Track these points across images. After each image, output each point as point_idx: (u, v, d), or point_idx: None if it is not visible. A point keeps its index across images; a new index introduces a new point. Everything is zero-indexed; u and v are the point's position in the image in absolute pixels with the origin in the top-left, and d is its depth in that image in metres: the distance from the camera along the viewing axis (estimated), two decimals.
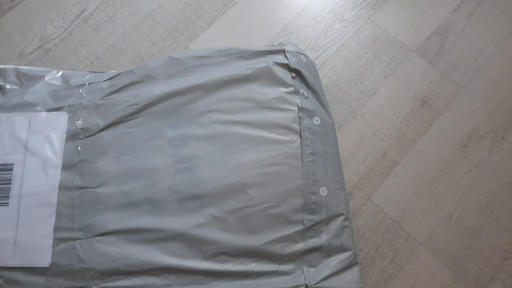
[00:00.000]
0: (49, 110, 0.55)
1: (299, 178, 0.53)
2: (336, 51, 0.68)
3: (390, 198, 0.59)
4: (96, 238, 0.49)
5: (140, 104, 0.55)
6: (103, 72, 0.60)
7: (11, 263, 0.48)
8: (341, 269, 0.51)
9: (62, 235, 0.50)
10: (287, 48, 0.60)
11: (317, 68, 0.64)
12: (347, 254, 0.51)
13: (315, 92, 0.58)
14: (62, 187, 0.51)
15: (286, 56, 0.59)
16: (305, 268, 0.50)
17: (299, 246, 0.51)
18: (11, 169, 0.52)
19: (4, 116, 0.55)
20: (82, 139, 0.54)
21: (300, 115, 0.56)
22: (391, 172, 0.60)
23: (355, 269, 0.52)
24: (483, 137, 0.62)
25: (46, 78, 0.58)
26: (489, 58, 0.67)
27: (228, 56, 0.59)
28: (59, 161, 0.53)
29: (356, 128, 0.63)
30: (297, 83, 0.58)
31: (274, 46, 0.61)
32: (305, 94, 0.58)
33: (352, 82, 0.66)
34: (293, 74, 0.58)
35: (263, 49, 0.60)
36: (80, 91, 0.57)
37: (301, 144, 0.54)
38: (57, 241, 0.49)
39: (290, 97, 0.57)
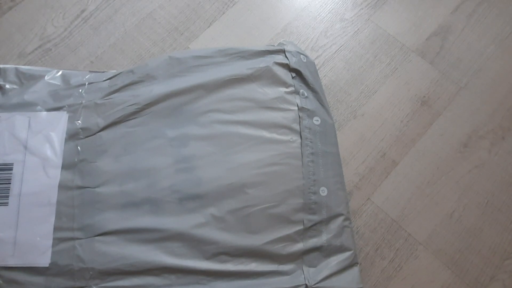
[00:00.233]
0: (49, 110, 0.55)
1: (299, 178, 0.53)
2: (336, 51, 0.68)
3: (390, 198, 0.59)
4: (96, 238, 0.49)
5: (140, 104, 0.55)
6: (103, 72, 0.60)
7: (11, 262, 0.48)
8: (341, 269, 0.51)
9: (62, 234, 0.50)
10: (287, 48, 0.60)
11: (317, 68, 0.64)
12: (347, 254, 0.51)
13: (315, 92, 0.58)
14: (62, 187, 0.51)
15: (286, 56, 0.59)
16: (305, 268, 0.50)
17: (299, 246, 0.51)
18: (11, 169, 0.52)
19: (4, 116, 0.55)
20: (82, 138, 0.54)
21: (300, 115, 0.56)
22: (391, 172, 0.60)
23: (355, 269, 0.52)
24: (483, 137, 0.62)
25: (46, 77, 0.58)
26: (489, 58, 0.67)
27: (228, 56, 0.59)
28: (59, 161, 0.53)
29: (356, 128, 0.63)
30: (297, 83, 0.58)
31: (274, 46, 0.61)
32: (305, 94, 0.58)
33: (352, 82, 0.66)
34: (293, 74, 0.58)
35: (263, 49, 0.60)
36: (80, 90, 0.57)
37: (301, 144, 0.54)
38: (57, 241, 0.49)
39: (290, 97, 0.57)
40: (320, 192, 0.53)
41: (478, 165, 0.61)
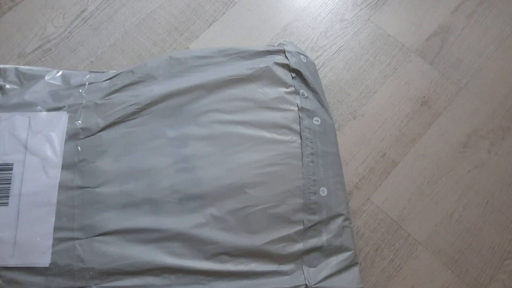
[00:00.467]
0: (49, 110, 0.55)
1: (299, 178, 0.53)
2: (336, 51, 0.68)
3: (390, 198, 0.59)
4: (96, 238, 0.49)
5: (140, 104, 0.55)
6: (103, 72, 0.60)
7: (11, 263, 0.48)
8: (341, 269, 0.51)
9: (62, 235, 0.50)
10: (287, 48, 0.60)
11: (317, 68, 0.64)
12: (347, 254, 0.51)
13: (315, 92, 0.58)
14: (62, 187, 0.51)
15: (286, 56, 0.59)
16: (305, 268, 0.50)
17: (299, 246, 0.51)
18: (11, 169, 0.52)
19: (4, 116, 0.55)
20: (82, 139, 0.54)
21: (300, 115, 0.56)
22: (391, 172, 0.60)
23: (355, 269, 0.52)
24: (483, 137, 0.62)
25: (46, 78, 0.58)
26: (489, 59, 0.67)
27: (228, 56, 0.59)
28: (59, 161, 0.53)
29: (356, 128, 0.63)
30: (297, 83, 0.58)
31: (274, 46, 0.61)
32: (305, 94, 0.58)
33: (352, 82, 0.66)
34: (293, 74, 0.58)
35: (263, 49, 0.60)
36: (80, 91, 0.57)
37: (301, 144, 0.54)
38: (57, 241, 0.49)
39: (290, 97, 0.57)
40: (320, 192, 0.53)
41: (478, 165, 0.61)
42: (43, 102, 0.56)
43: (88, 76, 0.59)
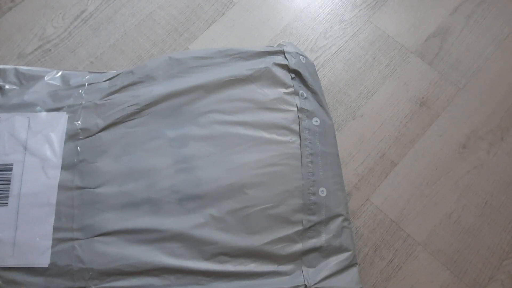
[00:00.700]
0: (48, 110, 0.55)
1: (298, 179, 0.53)
2: (335, 52, 0.68)
3: (389, 198, 0.59)
4: (96, 238, 0.49)
5: (140, 105, 0.55)
6: (102, 73, 0.60)
7: (10, 263, 0.48)
8: (340, 270, 0.51)
9: (62, 235, 0.50)
10: (287, 49, 0.60)
11: (316, 69, 0.64)
12: (346, 255, 0.51)
13: (314, 93, 0.59)
14: (62, 187, 0.51)
15: (285, 57, 0.59)
16: (304, 268, 0.50)
17: (298, 247, 0.51)
18: (11, 169, 0.52)
19: (3, 116, 0.55)
20: (81, 139, 0.54)
21: (300, 116, 0.56)
22: (390, 172, 0.61)
23: (354, 270, 0.52)
24: (482, 138, 0.63)
25: (46, 78, 0.58)
26: (488, 59, 0.68)
27: (228, 57, 0.59)
28: (58, 161, 0.53)
29: (355, 129, 0.63)
30: (296, 84, 0.58)
31: (273, 47, 0.61)
32: (305, 95, 0.58)
33: (351, 83, 0.66)
34: (293, 75, 0.59)
35: (262, 50, 0.60)
36: (80, 91, 0.57)
37: (300, 144, 0.55)
38: (56, 241, 0.49)
39: (289, 98, 0.57)
40: (320, 192, 0.53)
41: (477, 166, 0.61)
42: (43, 102, 0.56)
43: (87, 76, 0.59)
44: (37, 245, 0.49)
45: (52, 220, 0.50)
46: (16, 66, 0.59)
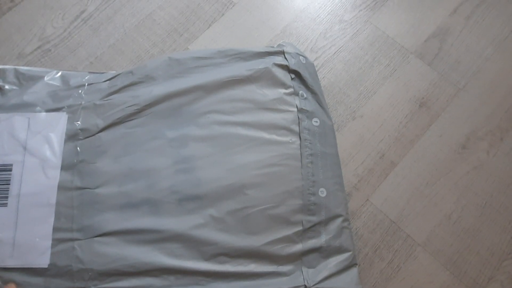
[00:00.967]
0: (48, 111, 0.55)
1: (298, 179, 0.53)
2: (335, 52, 0.68)
3: (389, 199, 0.59)
4: (95, 238, 0.49)
5: (139, 105, 0.55)
6: (102, 73, 0.60)
7: (10, 263, 0.48)
8: (340, 270, 0.51)
9: (61, 235, 0.50)
10: (287, 49, 0.60)
11: (316, 69, 0.64)
12: (346, 255, 0.52)
13: (314, 93, 0.59)
14: (61, 188, 0.51)
15: (285, 58, 0.59)
16: (304, 269, 0.50)
17: (298, 247, 0.51)
18: (10, 170, 0.52)
19: (3, 116, 0.55)
20: (81, 139, 0.54)
21: (300, 116, 0.56)
22: (390, 173, 0.61)
23: (354, 270, 0.52)
24: (481, 139, 0.63)
25: (46, 78, 0.58)
26: (488, 60, 0.68)
27: (228, 57, 0.59)
28: (58, 162, 0.53)
29: (355, 129, 0.63)
30: (296, 84, 0.58)
31: (273, 47, 0.61)
32: (305, 95, 0.58)
33: (351, 83, 0.66)
34: (293, 75, 0.59)
35: (262, 50, 0.60)
36: (80, 91, 0.57)
37: (300, 145, 0.55)
38: (56, 241, 0.49)
39: (289, 98, 0.57)
40: (319, 193, 0.53)
41: (476, 167, 0.61)
42: (43, 102, 0.56)
43: (87, 77, 0.59)
44: (37, 245, 0.49)
45: (51, 220, 0.50)
46: (16, 66, 0.59)
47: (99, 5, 0.70)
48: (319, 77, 0.63)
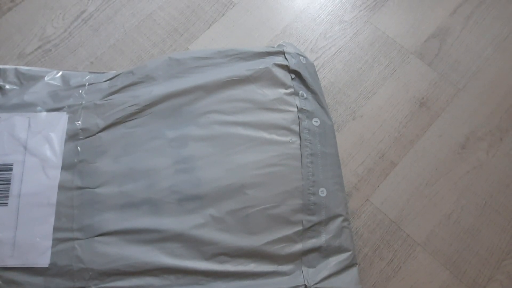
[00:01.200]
0: (49, 111, 0.55)
1: (298, 179, 0.53)
2: (335, 52, 0.68)
3: (388, 199, 0.59)
4: (96, 238, 0.49)
5: (140, 105, 0.55)
6: (103, 73, 0.60)
7: (10, 263, 0.48)
8: (340, 270, 0.51)
9: (62, 235, 0.50)
10: (287, 49, 0.60)
11: (316, 69, 0.64)
12: (346, 255, 0.52)
13: (314, 93, 0.59)
14: (62, 187, 0.51)
15: (285, 58, 0.59)
16: (304, 268, 0.50)
17: (298, 247, 0.51)
18: (11, 169, 0.52)
19: (3, 116, 0.55)
20: (81, 139, 0.54)
21: (300, 116, 0.56)
22: (390, 173, 0.61)
23: (354, 270, 0.52)
24: (481, 139, 0.63)
25: (46, 78, 0.58)
26: (487, 60, 0.68)
27: (228, 57, 0.59)
28: (58, 161, 0.53)
29: (355, 130, 0.63)
30: (296, 84, 0.58)
31: (273, 47, 0.61)
32: (305, 95, 0.58)
33: (351, 83, 0.66)
34: (293, 76, 0.59)
35: (262, 50, 0.60)
36: (80, 91, 0.57)
37: (300, 145, 0.55)
38: (56, 241, 0.49)
39: (289, 98, 0.57)
40: (319, 193, 0.53)
41: (476, 167, 0.61)
42: (43, 102, 0.56)
43: (88, 76, 0.59)
44: (37, 245, 0.49)
45: (52, 220, 0.50)
46: (16, 66, 0.59)
47: (99, 5, 0.70)
48: (319, 77, 0.63)
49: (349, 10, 0.71)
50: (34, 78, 0.58)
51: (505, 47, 0.69)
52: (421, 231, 0.58)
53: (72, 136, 0.54)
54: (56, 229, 0.50)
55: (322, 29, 0.70)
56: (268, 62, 0.59)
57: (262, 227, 0.51)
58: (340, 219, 0.53)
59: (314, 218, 0.52)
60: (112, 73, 0.60)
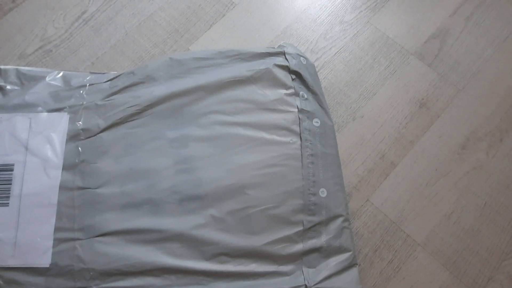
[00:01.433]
0: (50, 111, 0.56)
1: (298, 179, 0.53)
2: (335, 53, 0.68)
3: (389, 199, 0.59)
4: (96, 238, 0.50)
5: (140, 105, 0.56)
6: (103, 73, 0.60)
7: (11, 263, 0.48)
8: (340, 270, 0.51)
9: (63, 235, 0.50)
10: (287, 50, 0.60)
11: (317, 70, 0.64)
12: (346, 255, 0.52)
13: (315, 94, 0.59)
14: (63, 188, 0.52)
15: (286, 58, 0.60)
16: (304, 268, 0.50)
17: (298, 247, 0.51)
18: (12, 170, 0.52)
19: (4, 117, 0.55)
20: (82, 139, 0.54)
21: (300, 117, 0.56)
22: (390, 173, 0.61)
23: (354, 270, 0.52)
24: (481, 139, 0.63)
25: (47, 79, 0.58)
26: (487, 61, 0.68)
27: (229, 57, 0.59)
28: (59, 162, 0.53)
29: (355, 130, 0.63)
30: (297, 85, 0.58)
31: (274, 48, 0.61)
32: (305, 96, 0.58)
33: (352, 84, 0.66)
34: (293, 76, 0.59)
35: (263, 51, 0.60)
36: (81, 92, 0.57)
37: (301, 145, 0.55)
38: (57, 241, 0.49)
39: (290, 99, 0.57)
40: (320, 193, 0.53)
41: (476, 167, 0.61)
42: (44, 103, 0.56)
43: (88, 77, 0.59)
44: (38, 245, 0.49)
45: (53, 220, 0.50)
46: (17, 67, 0.59)
47: (100, 6, 0.70)
48: (319, 78, 0.64)
49: (349, 11, 0.71)
50: (35, 79, 0.58)
51: (505, 48, 0.69)
52: (421, 232, 0.58)
53: (73, 137, 0.54)
54: (57, 229, 0.50)
55: (322, 30, 0.70)
56: (268, 62, 0.59)
57: (263, 227, 0.51)
58: (341, 219, 0.53)
59: (315, 219, 0.52)
60: (113, 73, 0.60)
